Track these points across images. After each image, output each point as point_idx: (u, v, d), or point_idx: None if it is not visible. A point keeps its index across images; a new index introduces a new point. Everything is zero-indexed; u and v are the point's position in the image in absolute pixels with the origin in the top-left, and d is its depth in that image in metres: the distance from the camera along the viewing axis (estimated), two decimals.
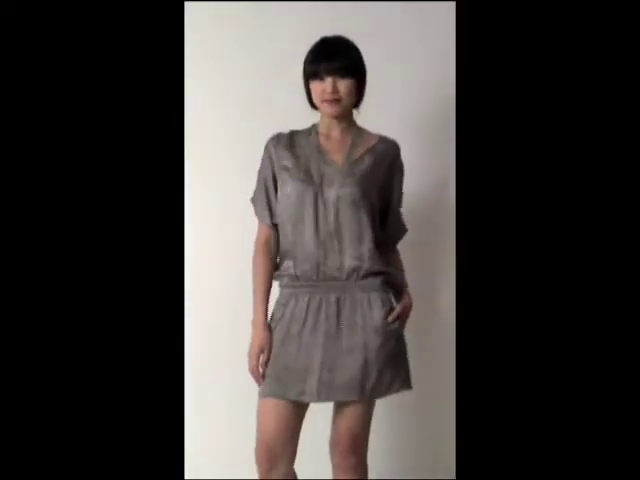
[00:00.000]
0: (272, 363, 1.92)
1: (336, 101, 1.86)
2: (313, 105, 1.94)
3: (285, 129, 1.98)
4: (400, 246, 2.56)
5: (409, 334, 2.57)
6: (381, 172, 1.96)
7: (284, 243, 1.94)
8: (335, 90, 1.85)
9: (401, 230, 2.10)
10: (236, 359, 2.51)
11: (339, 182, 1.88)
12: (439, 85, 2.47)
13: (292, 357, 1.88)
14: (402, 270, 2.08)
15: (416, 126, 2.56)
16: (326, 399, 1.88)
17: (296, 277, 1.91)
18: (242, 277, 2.51)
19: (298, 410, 1.91)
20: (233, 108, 2.50)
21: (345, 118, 1.94)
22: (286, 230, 1.92)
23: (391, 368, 1.90)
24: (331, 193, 1.88)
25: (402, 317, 1.97)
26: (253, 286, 1.97)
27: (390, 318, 1.91)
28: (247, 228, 2.52)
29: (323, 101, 1.86)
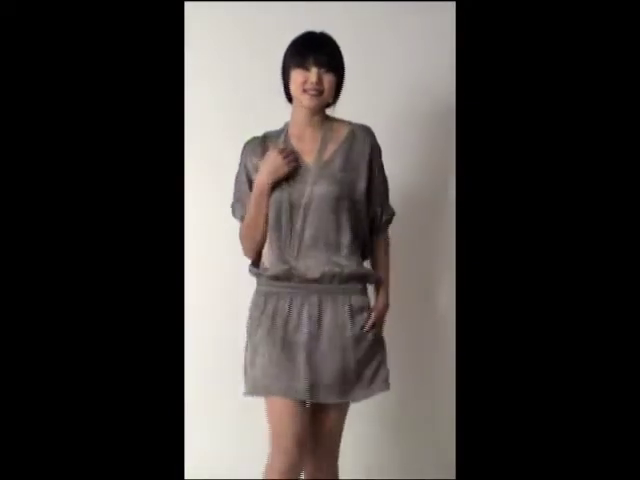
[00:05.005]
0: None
1: (318, 93, 1.86)
2: (288, 97, 1.94)
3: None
4: (400, 246, 2.56)
5: (409, 334, 2.58)
6: (360, 165, 1.94)
7: (266, 245, 1.94)
8: (320, 81, 1.85)
9: (388, 213, 2.05)
10: (237, 359, 2.52)
11: (310, 185, 1.88)
12: (439, 85, 2.47)
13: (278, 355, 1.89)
14: (386, 260, 2.06)
15: (416, 126, 2.56)
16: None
17: (275, 277, 1.91)
18: (244, 277, 2.51)
19: None
20: (233, 108, 2.50)
21: (319, 115, 1.93)
22: (270, 235, 1.92)
23: (369, 371, 1.93)
24: (304, 197, 1.88)
25: (378, 321, 1.98)
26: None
27: (366, 328, 1.93)
28: None
29: (305, 91, 1.85)
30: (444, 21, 2.33)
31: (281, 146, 1.91)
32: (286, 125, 1.97)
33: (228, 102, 2.50)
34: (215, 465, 2.50)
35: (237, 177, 1.99)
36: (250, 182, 1.94)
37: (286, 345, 1.87)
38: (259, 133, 2.00)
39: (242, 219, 1.97)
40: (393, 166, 2.42)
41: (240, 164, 1.98)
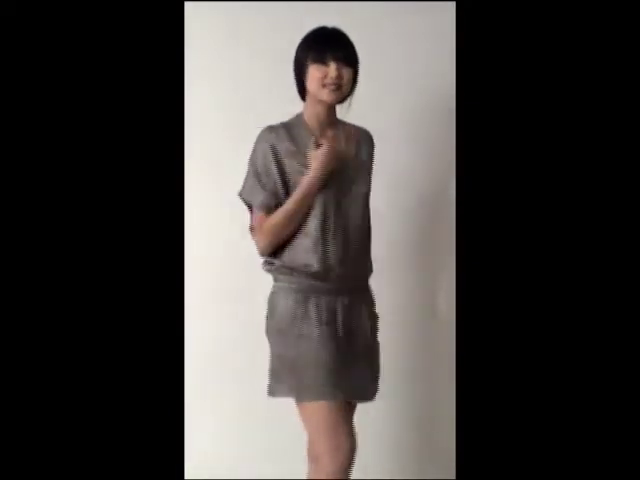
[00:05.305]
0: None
1: (337, 87, 1.84)
2: (302, 93, 1.93)
3: None
4: (400, 246, 2.57)
5: (409, 334, 2.58)
6: (370, 167, 1.99)
7: (302, 242, 1.86)
8: (340, 76, 1.84)
9: None
10: (237, 359, 2.52)
11: (349, 183, 1.89)
12: (439, 85, 2.47)
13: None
14: None
15: (416, 126, 2.56)
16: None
17: (317, 276, 1.85)
18: (244, 276, 2.52)
19: None
20: (233, 108, 2.50)
21: (334, 110, 1.93)
22: (313, 232, 1.85)
23: (378, 369, 1.97)
24: (346, 195, 1.88)
25: None
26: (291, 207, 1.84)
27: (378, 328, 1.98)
28: (248, 227, 2.52)
29: (324, 86, 1.84)
30: (444, 21, 2.33)
31: (313, 139, 1.87)
32: (298, 118, 1.93)
33: (228, 102, 2.50)
34: (215, 465, 2.50)
35: (259, 164, 1.87)
36: (281, 168, 1.86)
37: (339, 347, 1.84)
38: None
39: (265, 209, 1.86)
40: (393, 166, 2.42)
41: (265, 150, 1.87)
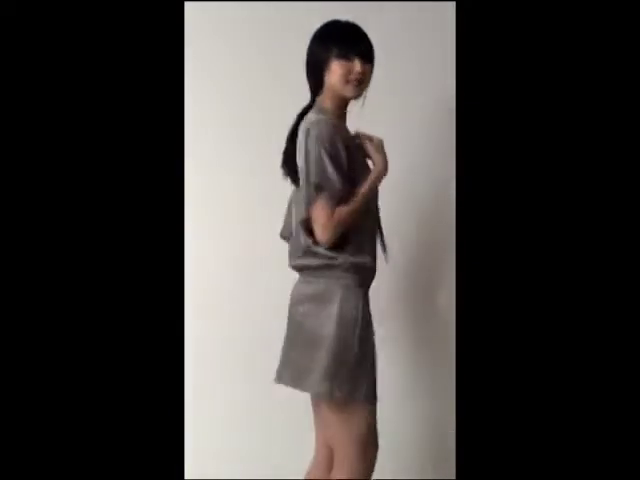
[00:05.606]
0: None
1: (360, 83, 1.83)
2: (316, 88, 1.88)
3: (285, 129, 1.95)
4: (400, 245, 2.57)
5: (410, 334, 2.58)
6: None
7: (360, 237, 1.83)
8: (364, 72, 1.83)
9: None
10: (238, 357, 2.52)
11: None
12: (439, 85, 2.47)
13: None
14: None
15: (416, 126, 2.56)
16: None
17: (373, 271, 1.87)
18: (244, 276, 2.52)
19: None
20: (233, 108, 2.50)
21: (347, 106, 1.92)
22: (363, 224, 1.83)
23: None
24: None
25: None
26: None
27: None
28: (248, 227, 2.53)
29: (348, 82, 1.82)
30: (444, 21, 2.33)
31: (360, 132, 1.89)
32: (324, 114, 1.84)
33: (228, 102, 2.50)
34: (215, 465, 2.50)
35: (330, 151, 1.74)
36: (350, 156, 1.78)
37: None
38: (260, 133, 1.98)
39: (338, 199, 1.76)
40: (393, 166, 2.42)
41: (331, 135, 1.76)
